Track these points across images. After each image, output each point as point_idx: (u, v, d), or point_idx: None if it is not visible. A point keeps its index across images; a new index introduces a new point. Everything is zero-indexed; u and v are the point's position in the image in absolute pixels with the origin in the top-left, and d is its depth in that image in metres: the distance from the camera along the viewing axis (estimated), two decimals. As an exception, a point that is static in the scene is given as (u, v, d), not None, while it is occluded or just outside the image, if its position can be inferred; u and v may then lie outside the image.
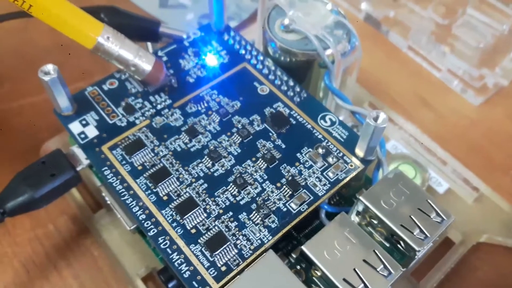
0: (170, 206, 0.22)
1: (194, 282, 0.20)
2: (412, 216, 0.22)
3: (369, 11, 0.40)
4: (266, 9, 0.29)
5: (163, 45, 0.28)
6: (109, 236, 0.27)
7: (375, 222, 0.22)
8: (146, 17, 0.28)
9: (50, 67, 0.23)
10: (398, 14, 0.39)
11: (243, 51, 0.28)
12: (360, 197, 0.22)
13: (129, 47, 0.24)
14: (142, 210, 0.22)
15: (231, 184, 0.23)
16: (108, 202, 0.24)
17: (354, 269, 0.20)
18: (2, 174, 0.30)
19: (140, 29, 0.28)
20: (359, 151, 0.24)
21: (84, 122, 0.25)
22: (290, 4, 0.27)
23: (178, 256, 0.21)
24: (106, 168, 0.23)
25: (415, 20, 0.39)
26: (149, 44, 0.29)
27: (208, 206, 0.22)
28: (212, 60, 0.28)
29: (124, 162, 0.23)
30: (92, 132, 0.25)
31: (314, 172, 0.23)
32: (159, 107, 0.26)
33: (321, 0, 0.28)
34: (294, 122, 0.25)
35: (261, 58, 0.28)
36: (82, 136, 0.24)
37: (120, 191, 0.23)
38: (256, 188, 0.23)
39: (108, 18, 0.27)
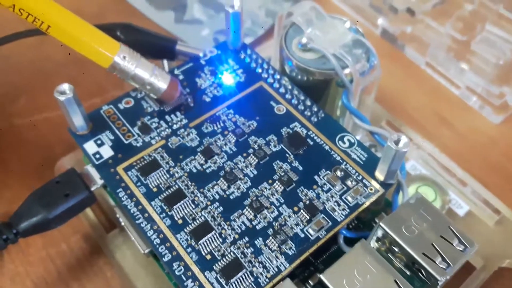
0: (185, 230, 0.22)
1: (209, 310, 0.20)
2: (434, 244, 0.21)
3: (386, 26, 0.39)
4: (283, 27, 0.28)
5: (180, 63, 0.28)
6: (122, 257, 0.27)
7: (396, 249, 0.22)
8: (162, 35, 0.28)
9: (66, 86, 0.23)
10: (416, 30, 0.39)
11: (259, 70, 0.28)
12: (381, 223, 0.21)
13: (144, 66, 0.24)
14: (156, 234, 0.22)
15: (247, 207, 0.22)
16: (122, 224, 0.24)
17: (375, 300, 0.20)
18: (16, 189, 0.31)
19: (157, 47, 0.27)
20: (379, 175, 0.23)
21: (99, 141, 0.25)
22: (307, 22, 0.27)
23: (192, 283, 0.20)
24: (120, 189, 0.23)
25: (433, 36, 0.38)
26: (165, 61, 0.29)
27: (223, 231, 0.22)
28: (228, 78, 0.27)
29: (139, 183, 0.23)
30: (107, 152, 0.24)
31: (332, 196, 0.23)
32: (175, 126, 0.25)
33: (340, 18, 0.28)
34: (311, 143, 0.25)
35: (278, 76, 0.27)
36: (97, 156, 0.24)
37: (134, 214, 0.22)
38: (272, 212, 0.22)
39: (124, 36, 0.27)
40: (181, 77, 0.27)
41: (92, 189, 0.25)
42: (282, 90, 0.27)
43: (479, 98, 0.35)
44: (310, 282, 0.22)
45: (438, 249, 0.21)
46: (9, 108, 0.34)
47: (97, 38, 0.23)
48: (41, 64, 0.37)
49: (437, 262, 0.21)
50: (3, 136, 0.33)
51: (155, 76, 0.24)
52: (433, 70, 0.37)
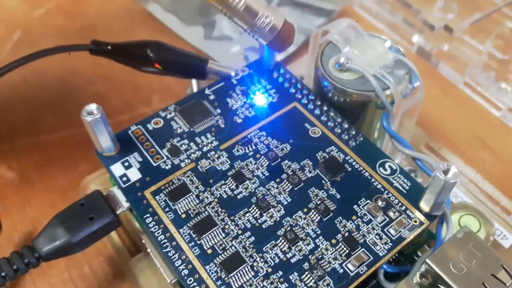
0: (215, 261, 0.20)
1: None
2: (485, 284, 0.19)
3: (422, 44, 0.38)
4: (318, 45, 0.27)
5: (210, 82, 0.27)
6: (146, 282, 0.26)
7: (442, 286, 0.20)
8: (193, 53, 0.27)
9: (93, 106, 0.22)
10: (453, 48, 0.37)
11: (293, 90, 0.27)
12: (427, 260, 0.20)
13: (256, 2, 0.20)
14: (185, 264, 0.20)
15: (280, 238, 0.21)
16: (149, 250, 0.23)
17: None
18: (40, 208, 0.30)
19: (187, 66, 0.26)
20: (424, 206, 0.21)
21: (126, 164, 0.24)
22: (345, 41, 0.26)
23: (222, 320, 0.19)
24: (148, 215, 0.22)
25: (472, 55, 0.36)
26: (194, 81, 0.28)
27: (255, 263, 0.20)
28: (261, 99, 0.26)
29: (167, 209, 0.22)
30: (134, 175, 0.23)
31: (373, 228, 0.21)
32: (205, 149, 0.24)
33: (379, 37, 0.26)
34: (349, 169, 0.23)
35: (313, 97, 0.26)
36: (124, 179, 0.23)
37: (162, 242, 0.21)
38: (308, 244, 0.21)
39: (154, 54, 0.26)
40: (212, 97, 0.26)
41: (118, 212, 0.23)
42: (317, 111, 0.26)
43: (522, 120, 0.33)
44: (348, 320, 0.21)
45: (490, 289, 0.19)
46: (36, 124, 0.34)
47: None
48: (68, 80, 0.37)
49: (489, 304, 0.19)
50: (28, 153, 0.33)
51: (266, 16, 0.21)
52: (472, 90, 0.36)
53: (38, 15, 0.42)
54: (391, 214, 0.21)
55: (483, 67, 0.35)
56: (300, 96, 0.26)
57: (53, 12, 0.42)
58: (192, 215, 0.22)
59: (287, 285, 0.20)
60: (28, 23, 0.41)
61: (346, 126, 0.25)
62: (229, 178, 0.23)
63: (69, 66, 0.37)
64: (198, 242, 0.21)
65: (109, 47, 0.26)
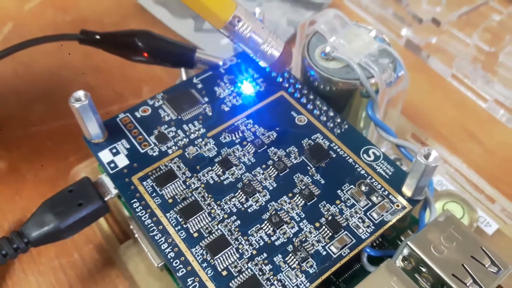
0: (201, 244, 0.21)
1: (224, 330, 0.19)
2: (464, 265, 0.20)
3: (410, 37, 0.38)
4: (305, 35, 0.27)
5: (198, 72, 0.27)
6: (135, 269, 0.26)
7: (423, 269, 0.20)
8: (181, 42, 0.27)
9: (81, 93, 0.22)
10: (441, 41, 0.38)
11: (280, 79, 0.27)
12: (408, 242, 0.20)
13: (260, 31, 0.22)
14: (171, 247, 0.21)
15: (265, 222, 0.21)
16: (136, 235, 0.23)
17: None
18: (30, 197, 0.30)
19: (175, 55, 0.27)
20: (407, 190, 0.22)
21: (114, 150, 0.24)
22: (331, 31, 0.26)
23: (208, 300, 0.19)
24: (135, 200, 0.22)
25: (459, 47, 0.37)
26: (183, 70, 0.28)
27: (240, 246, 0.21)
28: (248, 88, 0.26)
29: (154, 194, 0.22)
30: (122, 161, 0.23)
31: (356, 212, 0.22)
32: (192, 136, 0.24)
33: (365, 27, 0.27)
34: (334, 156, 0.24)
35: (299, 86, 0.26)
36: (112, 165, 0.23)
37: (148, 226, 0.21)
38: (292, 227, 0.21)
39: (142, 43, 0.26)
40: (199, 85, 0.27)
41: (106, 199, 0.24)
42: (303, 100, 0.26)
43: (508, 111, 0.34)
44: (332, 302, 0.21)
45: (469, 270, 0.20)
46: (26, 115, 0.34)
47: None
48: (59, 72, 0.37)
49: (467, 284, 0.19)
50: (19, 144, 0.33)
51: (268, 44, 0.23)
52: (459, 82, 0.36)
53: (29, 8, 0.42)
54: (374, 198, 0.22)
55: (470, 60, 0.36)
56: (287, 85, 0.27)
57: (44, 5, 0.42)
58: (179, 200, 0.22)
59: (271, 266, 0.20)
60: (19, 16, 0.41)
61: (331, 114, 0.25)
62: (216, 164, 0.23)
63: (59, 58, 0.37)
64: (185, 226, 0.21)
65: (98, 37, 0.27)
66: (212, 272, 0.20)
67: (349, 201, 0.22)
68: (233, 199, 0.22)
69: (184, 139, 0.24)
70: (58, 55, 0.37)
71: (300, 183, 0.23)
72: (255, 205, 0.22)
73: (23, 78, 0.37)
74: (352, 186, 0.22)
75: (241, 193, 0.22)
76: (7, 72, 0.36)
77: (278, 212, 0.22)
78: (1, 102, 0.35)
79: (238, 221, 0.21)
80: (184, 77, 0.28)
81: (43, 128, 0.34)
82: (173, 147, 0.24)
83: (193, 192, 0.22)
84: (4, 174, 0.31)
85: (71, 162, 0.31)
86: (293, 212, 0.22)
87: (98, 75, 0.37)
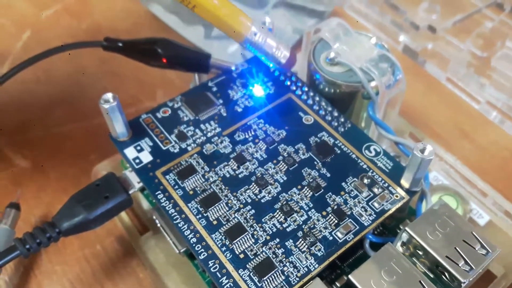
0: (220, 230, 0.23)
1: (242, 306, 0.21)
2: (457, 248, 0.22)
3: (407, 43, 0.41)
4: (311, 42, 0.30)
5: (211, 76, 0.30)
6: (155, 258, 0.28)
7: (420, 253, 0.23)
8: (197, 50, 0.30)
9: (109, 95, 0.25)
10: (437, 46, 0.40)
11: (288, 83, 0.29)
12: (406, 228, 0.22)
13: (272, 40, 0.27)
14: (193, 233, 0.23)
15: (277, 211, 0.24)
16: (159, 225, 0.25)
17: (401, 300, 0.20)
18: (54, 194, 0.32)
19: (192, 61, 0.29)
20: (405, 182, 0.24)
21: (138, 147, 0.26)
22: (335, 38, 0.29)
23: (227, 280, 0.21)
24: (159, 192, 0.24)
25: (454, 52, 0.39)
26: (196, 74, 0.30)
27: (255, 232, 0.23)
28: (259, 90, 0.29)
29: (176, 186, 0.25)
30: (146, 157, 0.26)
31: (359, 202, 0.24)
32: (209, 134, 0.27)
33: (366, 34, 0.29)
34: (338, 152, 0.26)
35: (306, 89, 0.29)
36: (137, 161, 0.26)
37: (172, 215, 0.23)
38: (302, 215, 0.23)
39: (162, 50, 0.28)
40: (214, 89, 0.29)
41: (130, 192, 0.26)
42: (310, 101, 0.28)
43: (499, 113, 0.36)
44: (337, 283, 0.23)
45: (461, 252, 0.22)
46: (47, 118, 0.36)
47: (233, 17, 0.26)
48: (78, 77, 0.39)
49: (460, 265, 0.21)
50: (41, 144, 0.35)
51: (277, 49, 0.27)
52: (453, 85, 0.38)
53: (46, 16, 0.44)
54: (375, 190, 0.24)
55: (464, 64, 0.38)
56: (294, 88, 0.29)
57: (60, 13, 0.44)
58: (199, 192, 0.24)
59: (283, 250, 0.22)
60: (37, 23, 0.43)
61: (336, 114, 0.28)
62: (231, 159, 0.26)
63: (76, 64, 0.39)
64: (205, 214, 0.24)
65: (121, 44, 0.29)
66: (231, 255, 0.22)
67: (352, 192, 0.24)
68: (248, 191, 0.24)
69: (202, 137, 0.27)
70: (76, 61, 0.39)
71: (308, 176, 0.25)
72: (268, 196, 0.24)
73: (43, 83, 0.39)
74: (355, 178, 0.25)
75: (254, 185, 0.25)
76: (29, 77, 0.38)
77: (289, 202, 0.24)
78: (24, 106, 0.37)
79: (253, 210, 0.24)
80: (197, 82, 0.31)
81: (63, 129, 0.36)
82: (192, 145, 0.26)
83: (212, 185, 0.25)
84: (29, 172, 0.33)
85: (91, 160, 0.33)
86: (302, 202, 0.24)
87: (114, 80, 0.38)
